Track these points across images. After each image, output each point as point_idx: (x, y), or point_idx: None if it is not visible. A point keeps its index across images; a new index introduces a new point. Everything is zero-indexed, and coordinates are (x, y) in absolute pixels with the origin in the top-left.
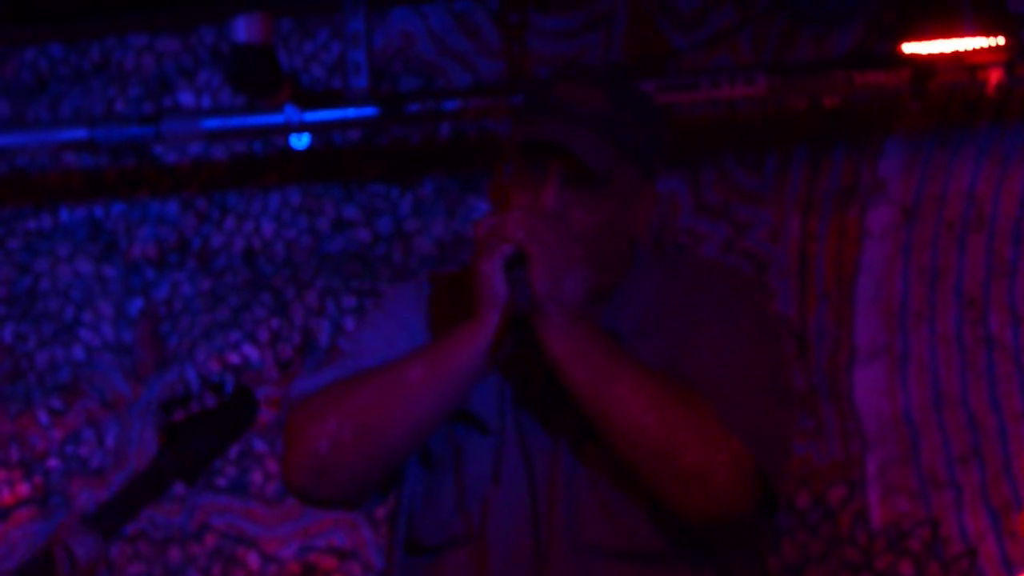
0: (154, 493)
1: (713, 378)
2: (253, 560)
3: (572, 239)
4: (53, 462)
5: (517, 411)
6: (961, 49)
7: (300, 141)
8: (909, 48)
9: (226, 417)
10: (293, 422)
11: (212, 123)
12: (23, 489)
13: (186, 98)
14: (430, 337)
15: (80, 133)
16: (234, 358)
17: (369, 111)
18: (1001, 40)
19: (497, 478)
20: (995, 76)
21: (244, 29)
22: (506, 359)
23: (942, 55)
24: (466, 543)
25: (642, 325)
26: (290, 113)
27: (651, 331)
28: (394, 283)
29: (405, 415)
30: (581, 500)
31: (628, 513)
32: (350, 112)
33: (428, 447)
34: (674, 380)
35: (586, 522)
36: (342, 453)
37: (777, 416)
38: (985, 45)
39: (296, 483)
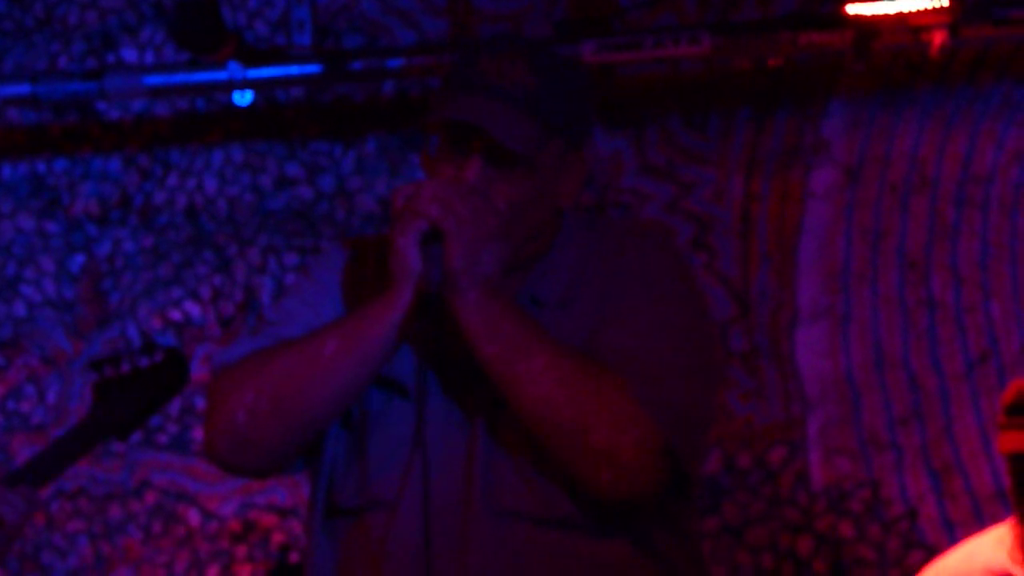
0: (85, 450)
1: (631, 352)
2: (193, 517)
3: (489, 213)
4: None
5: (437, 378)
6: (905, 10)
7: (243, 98)
8: (853, 9)
9: (157, 379)
10: (213, 392)
11: (155, 79)
12: None
13: (129, 54)
14: (355, 302)
15: (23, 88)
16: (176, 315)
17: (312, 68)
18: (945, 2)
19: (417, 443)
20: (939, 38)
21: None
22: (424, 329)
23: (886, 16)
24: (384, 507)
25: (564, 294)
26: (233, 70)
27: (573, 300)
28: (326, 245)
29: (321, 387)
30: (500, 466)
31: (546, 480)
32: (293, 69)
33: (349, 410)
34: (587, 358)
35: (505, 488)
36: (259, 424)
37: (694, 392)
38: (929, 6)
39: (216, 453)
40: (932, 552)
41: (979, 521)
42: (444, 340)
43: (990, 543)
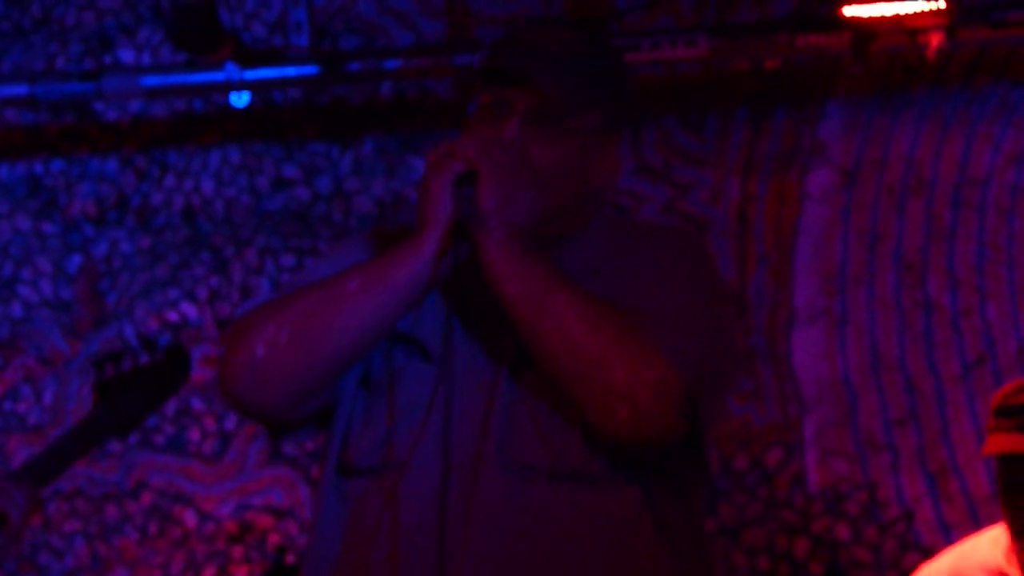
0: (86, 448)
1: (654, 307)
2: (190, 518)
3: (525, 164)
4: None
5: (461, 337)
6: (902, 12)
7: (240, 99)
8: (850, 11)
9: (158, 375)
10: (232, 331)
11: (152, 80)
12: None
13: (127, 55)
14: None
15: (20, 89)
16: (173, 316)
17: (310, 70)
18: (942, 4)
19: (433, 404)
20: (936, 40)
21: None
22: (450, 282)
23: (883, 18)
24: (400, 467)
25: (590, 267)
26: (231, 71)
27: (600, 270)
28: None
29: (342, 323)
30: (516, 422)
31: (562, 434)
32: (291, 70)
33: (369, 368)
34: (609, 300)
35: (520, 442)
36: (278, 357)
37: (712, 350)
38: (926, 8)
39: (232, 388)
40: (928, 554)
41: (975, 523)
42: (470, 297)
43: (985, 542)
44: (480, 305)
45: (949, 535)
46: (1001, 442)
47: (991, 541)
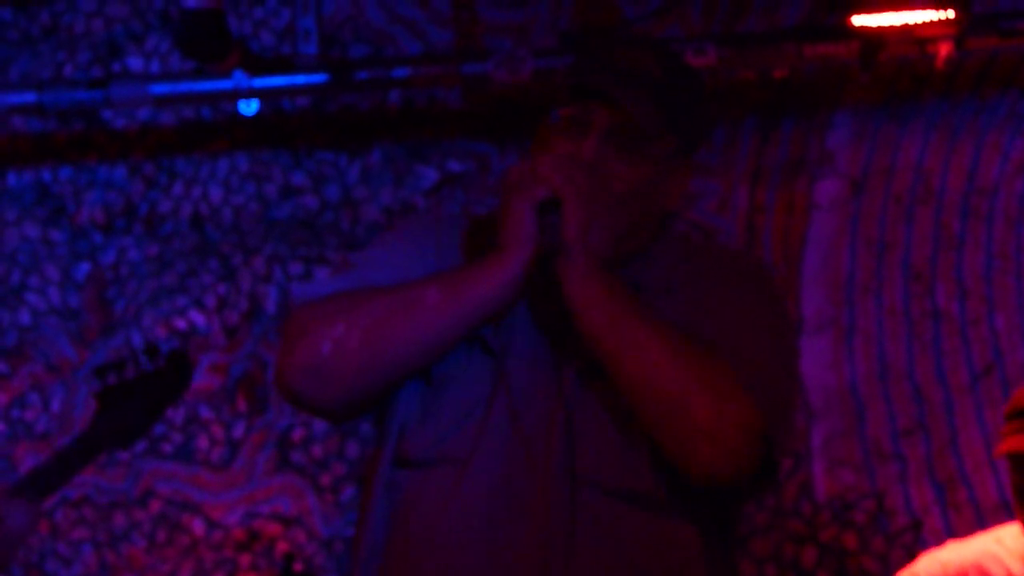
0: (89, 458)
1: (730, 338)
2: (198, 526)
3: (606, 189)
4: None
5: (526, 338)
6: (911, 22)
7: (249, 107)
8: (859, 20)
9: (160, 382)
10: (296, 322)
11: (161, 88)
12: None
13: (135, 63)
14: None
15: (28, 97)
16: (181, 324)
17: (318, 78)
18: (951, 13)
19: (496, 405)
20: (944, 49)
21: None
22: (528, 297)
23: (892, 27)
24: (457, 462)
25: (662, 288)
26: (239, 79)
27: (671, 293)
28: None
29: (415, 335)
30: (582, 434)
31: (629, 453)
32: (299, 79)
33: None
34: (691, 334)
35: (585, 456)
36: (345, 358)
37: (785, 385)
38: (935, 18)
39: (291, 383)
40: None
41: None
42: (543, 309)
43: (987, 537)
44: (546, 308)
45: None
46: (1012, 443)
47: (992, 538)
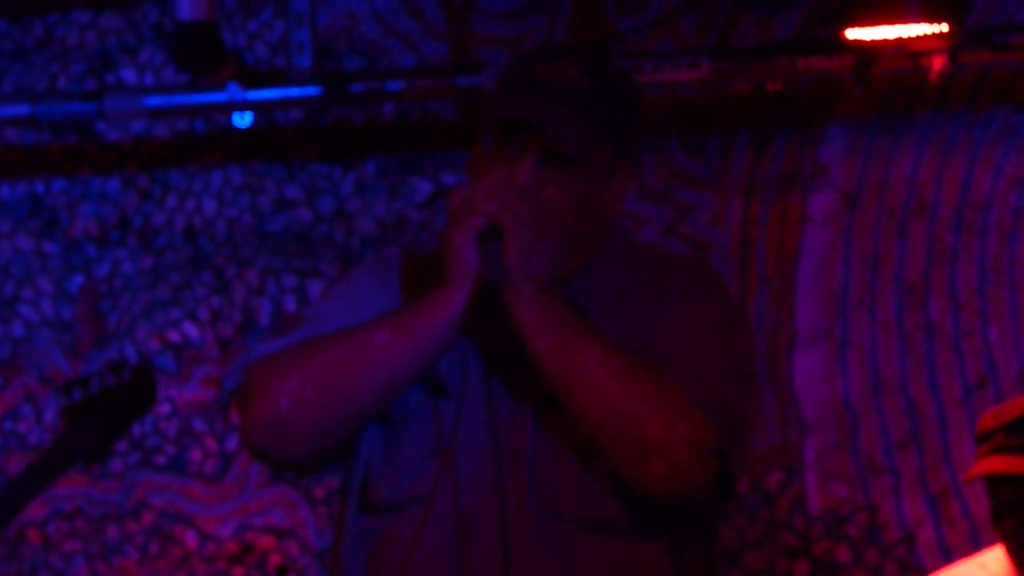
0: (56, 473)
1: (678, 354)
2: (191, 538)
3: (545, 212)
4: None
5: (481, 375)
6: (904, 35)
7: (243, 120)
8: (852, 34)
9: (125, 397)
10: (254, 380)
11: (155, 100)
12: None
13: (129, 75)
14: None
15: (22, 109)
16: (174, 336)
17: (312, 90)
18: (945, 27)
19: (456, 440)
20: (938, 63)
21: (187, 6)
22: (474, 327)
23: (885, 41)
24: (421, 503)
25: (609, 303)
26: (233, 91)
27: (618, 308)
28: (360, 261)
29: (368, 378)
30: (544, 466)
31: (590, 481)
32: (293, 91)
33: (389, 406)
34: (640, 354)
35: (548, 488)
36: (303, 412)
37: (738, 397)
38: (928, 32)
39: (255, 441)
40: None
41: (976, 546)
42: (491, 338)
43: (970, 564)
44: (499, 344)
45: (951, 558)
46: (984, 465)
47: (976, 565)
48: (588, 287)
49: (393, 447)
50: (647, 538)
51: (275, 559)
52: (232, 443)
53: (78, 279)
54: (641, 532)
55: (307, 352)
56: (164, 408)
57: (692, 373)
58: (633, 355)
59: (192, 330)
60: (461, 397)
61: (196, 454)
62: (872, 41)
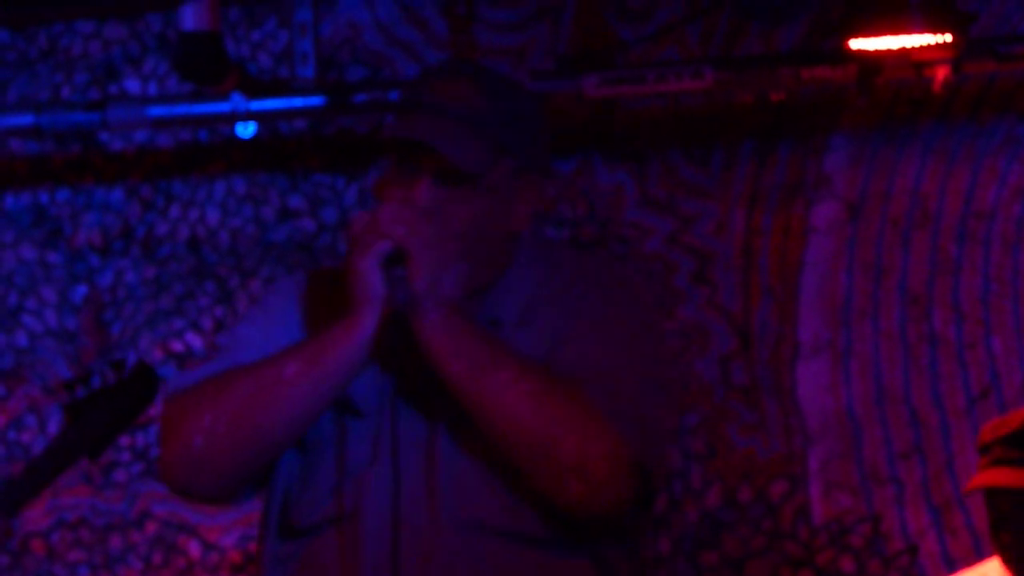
0: (59, 469)
1: (592, 367)
2: (194, 548)
3: (449, 234)
4: None
5: (395, 396)
6: (908, 46)
7: (246, 130)
8: (856, 44)
9: (126, 394)
10: (168, 417)
11: (158, 110)
12: None
13: (132, 85)
14: (308, 332)
15: (26, 119)
16: (177, 346)
17: (316, 100)
18: (948, 37)
19: (374, 460)
20: (942, 73)
21: (191, 17)
22: (384, 351)
23: (889, 51)
24: (340, 523)
25: (522, 314)
26: (237, 101)
27: (531, 320)
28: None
29: (280, 410)
30: (467, 480)
31: (514, 495)
32: (297, 101)
33: (305, 433)
34: (552, 372)
35: (471, 499)
36: (216, 447)
37: (655, 407)
38: (932, 42)
39: (172, 478)
40: None
41: (979, 556)
42: (402, 360)
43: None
44: (412, 366)
45: (954, 569)
46: (984, 478)
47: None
48: (501, 299)
49: (310, 471)
50: (573, 551)
51: None
52: None
53: (82, 289)
54: (566, 545)
55: (219, 387)
56: None
57: (607, 385)
58: (546, 374)
59: (195, 340)
60: (377, 417)
61: None
62: (876, 51)
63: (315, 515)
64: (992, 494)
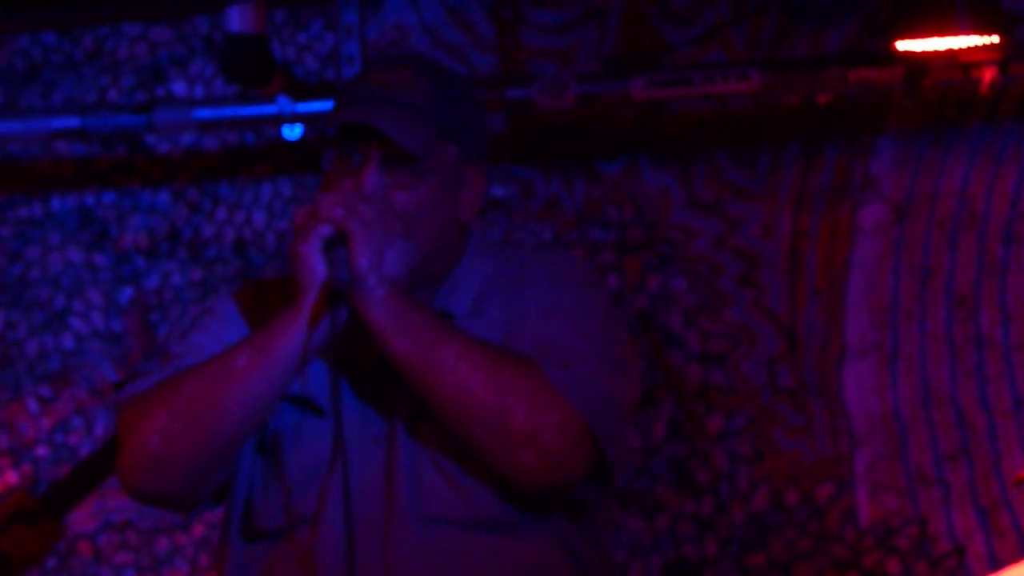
0: (107, 472)
1: (544, 345)
2: None
3: (391, 215)
4: (42, 450)
5: (352, 392)
6: (955, 47)
7: (293, 132)
8: (903, 45)
9: None
10: (123, 422)
11: (204, 113)
12: (11, 477)
13: (179, 87)
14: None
15: (72, 121)
16: None
17: None
18: (995, 38)
19: (334, 458)
20: (988, 74)
21: (238, 19)
22: (337, 342)
23: (936, 53)
24: (306, 523)
25: (473, 306)
26: (283, 104)
27: (483, 309)
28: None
29: (233, 403)
30: (423, 473)
31: (470, 482)
32: None
33: (264, 433)
34: (500, 347)
35: (429, 494)
36: (173, 447)
37: (610, 382)
38: (979, 43)
39: (130, 482)
40: None
41: None
42: (355, 353)
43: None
44: (365, 359)
45: (1000, 570)
46: None
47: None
48: (452, 293)
49: (273, 473)
50: (536, 535)
51: None
52: None
53: (128, 291)
54: (529, 530)
55: (170, 387)
56: None
57: (559, 360)
58: (494, 348)
59: None
60: (336, 414)
61: None
62: (922, 53)
63: (281, 517)
64: None
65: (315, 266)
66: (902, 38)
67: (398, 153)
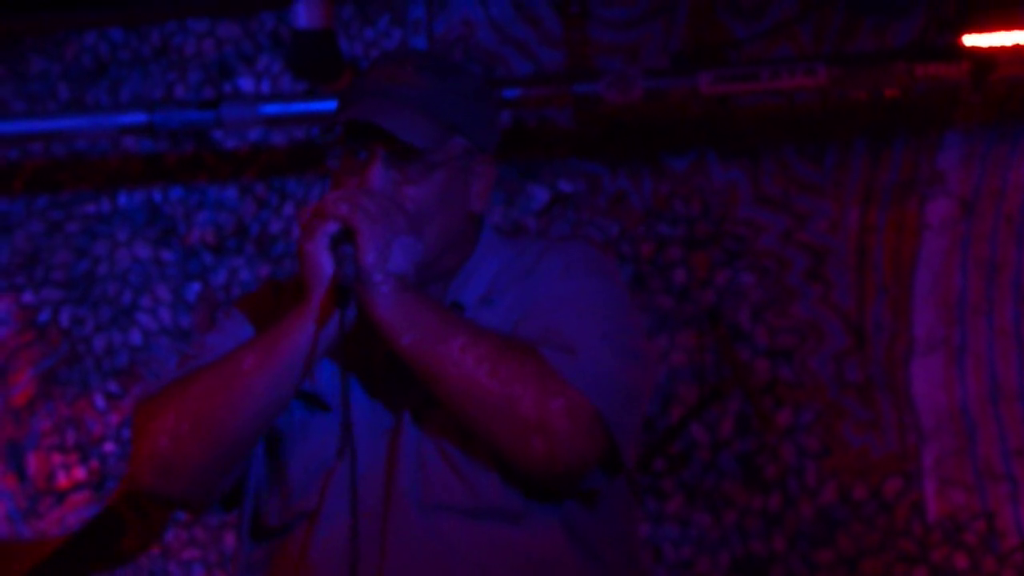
0: None
1: (551, 332)
2: None
3: (398, 210)
4: (109, 446)
5: (361, 387)
6: (1022, 42)
7: None
8: (970, 40)
9: None
10: (135, 423)
11: (272, 109)
12: (79, 473)
13: (246, 83)
14: None
15: (139, 117)
16: None
17: None
18: None
19: (340, 452)
20: None
21: (305, 15)
22: (344, 337)
23: (1003, 48)
24: (307, 518)
25: (485, 294)
26: None
27: (494, 299)
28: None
29: (242, 403)
30: (427, 461)
31: (475, 470)
32: None
33: (272, 430)
34: (506, 336)
35: (434, 483)
36: (182, 447)
37: (618, 368)
38: None
39: (142, 482)
40: None
41: None
42: (364, 348)
43: None
44: (372, 352)
45: None
46: None
47: None
48: (465, 284)
49: (280, 470)
50: (544, 525)
51: None
52: None
53: (195, 287)
54: (533, 518)
55: (180, 388)
56: None
57: (568, 347)
58: (500, 338)
59: None
60: (344, 408)
61: None
62: (990, 48)
63: (286, 514)
64: None
65: (322, 264)
66: (969, 33)
67: (403, 148)
